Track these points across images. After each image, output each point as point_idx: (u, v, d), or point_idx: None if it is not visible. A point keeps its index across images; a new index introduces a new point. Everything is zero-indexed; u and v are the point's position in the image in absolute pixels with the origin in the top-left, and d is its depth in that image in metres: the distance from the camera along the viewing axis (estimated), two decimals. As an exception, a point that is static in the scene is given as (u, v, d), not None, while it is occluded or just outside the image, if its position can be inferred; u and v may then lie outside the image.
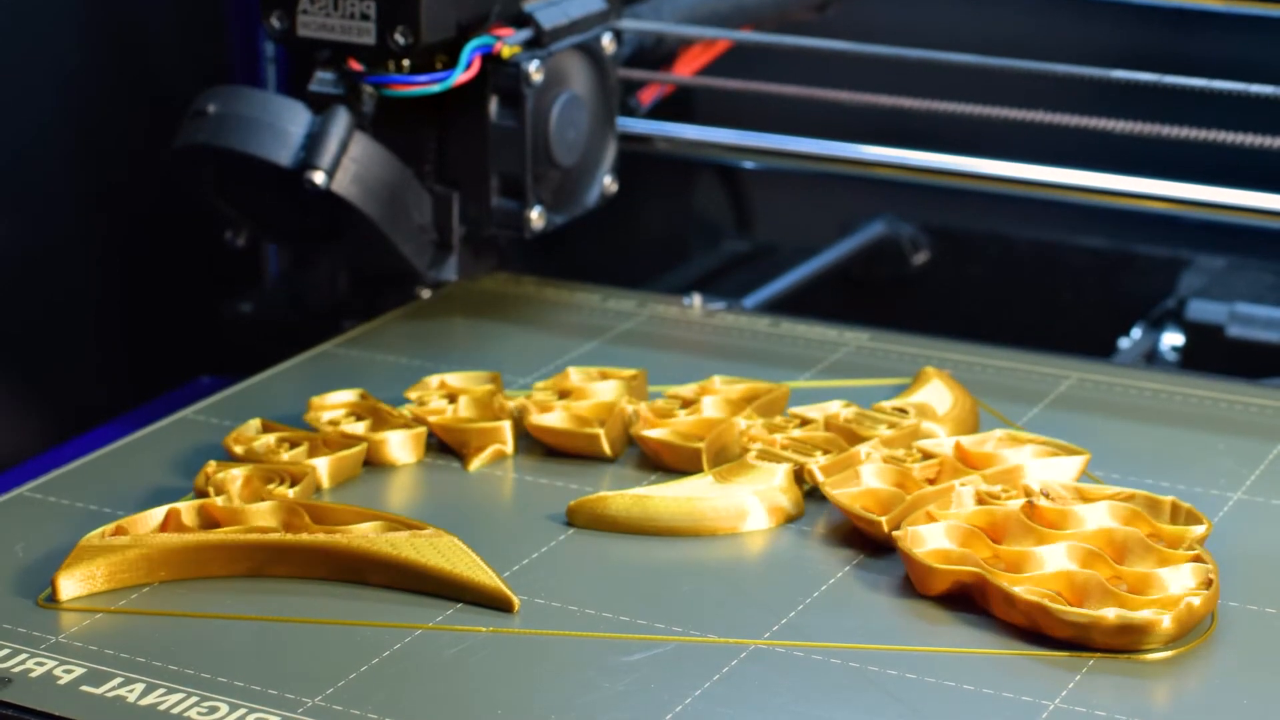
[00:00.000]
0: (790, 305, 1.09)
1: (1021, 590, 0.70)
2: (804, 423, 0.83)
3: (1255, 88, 0.93)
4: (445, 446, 0.85)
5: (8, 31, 0.99)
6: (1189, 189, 0.95)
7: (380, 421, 0.84)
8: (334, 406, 0.85)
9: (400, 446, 0.84)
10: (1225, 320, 1.05)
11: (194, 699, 0.68)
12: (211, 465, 0.79)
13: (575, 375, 0.87)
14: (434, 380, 0.87)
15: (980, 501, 0.76)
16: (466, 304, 1.00)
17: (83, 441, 0.97)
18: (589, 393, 0.85)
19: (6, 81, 1.00)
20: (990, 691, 0.68)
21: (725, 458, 0.82)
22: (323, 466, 0.81)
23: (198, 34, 1.08)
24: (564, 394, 0.86)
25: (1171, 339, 1.07)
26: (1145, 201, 0.97)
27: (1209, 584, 0.71)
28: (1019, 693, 0.68)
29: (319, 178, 0.89)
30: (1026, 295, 1.19)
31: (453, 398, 0.86)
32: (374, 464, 0.84)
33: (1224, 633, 0.71)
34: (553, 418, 0.84)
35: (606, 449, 0.83)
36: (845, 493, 0.77)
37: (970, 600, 0.72)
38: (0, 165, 1.01)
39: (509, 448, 0.85)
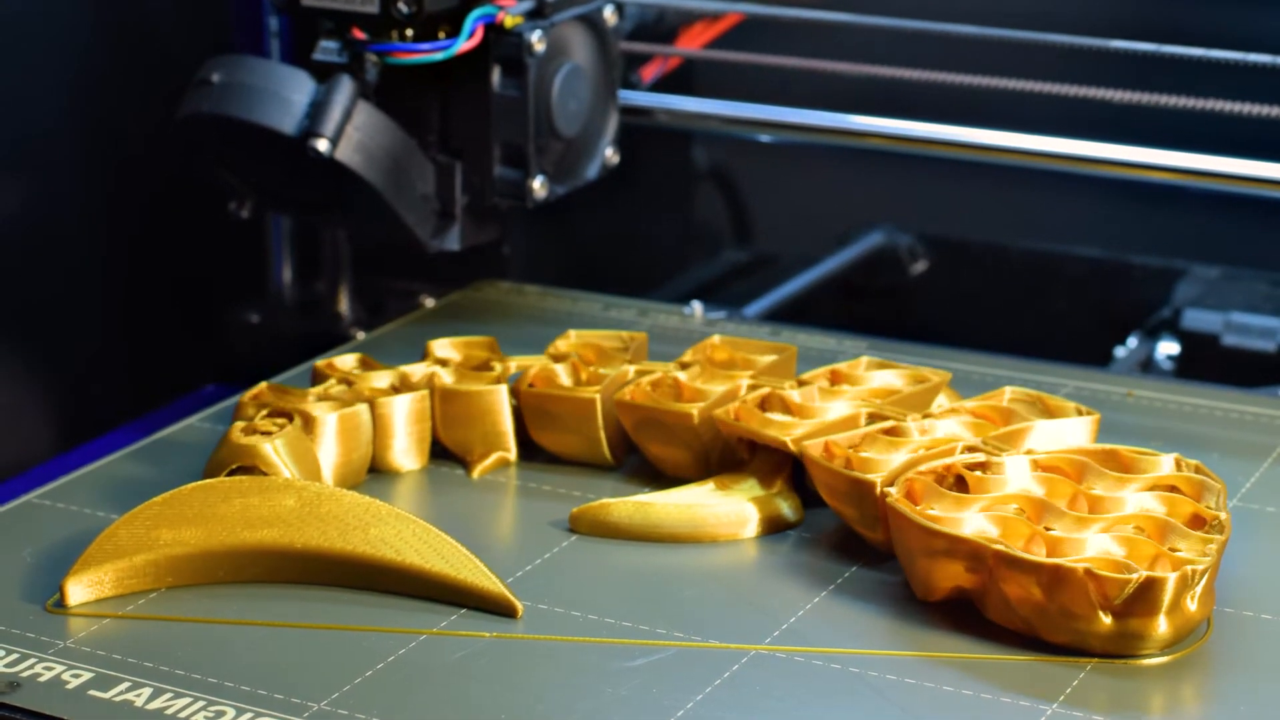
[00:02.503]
0: (790, 314, 1.09)
1: (1009, 549, 0.70)
2: (802, 384, 0.83)
3: (1253, 56, 0.93)
4: (449, 453, 0.86)
5: (10, 10, 0.99)
6: (1190, 158, 0.95)
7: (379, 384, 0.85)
8: (338, 370, 0.86)
9: (404, 453, 0.85)
10: (1220, 329, 1.05)
11: (201, 703, 0.68)
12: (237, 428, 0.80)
13: (574, 339, 0.87)
14: (432, 346, 0.88)
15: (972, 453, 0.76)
16: (469, 312, 1.01)
17: (90, 448, 0.98)
18: (587, 358, 0.86)
19: (9, 67, 1.00)
20: (988, 696, 0.68)
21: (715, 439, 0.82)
22: (328, 471, 0.82)
23: (201, 9, 1.08)
24: (560, 358, 0.87)
25: (1167, 348, 1.08)
26: (1145, 171, 0.96)
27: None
28: (1016, 697, 0.68)
29: (322, 145, 0.89)
30: (1023, 304, 1.19)
31: (445, 363, 0.86)
32: (379, 470, 0.84)
33: (1220, 639, 0.72)
34: (548, 382, 0.84)
35: (603, 443, 0.84)
36: (829, 453, 0.78)
37: (968, 606, 0.73)
38: (8, 163, 1.01)
39: (512, 455, 0.85)
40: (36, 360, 1.03)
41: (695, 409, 0.82)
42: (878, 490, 0.75)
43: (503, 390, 0.85)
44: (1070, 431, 0.79)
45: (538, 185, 0.95)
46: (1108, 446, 0.77)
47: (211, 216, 1.10)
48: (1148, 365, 1.07)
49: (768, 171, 1.26)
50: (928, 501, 0.74)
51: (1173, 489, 0.75)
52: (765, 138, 1.12)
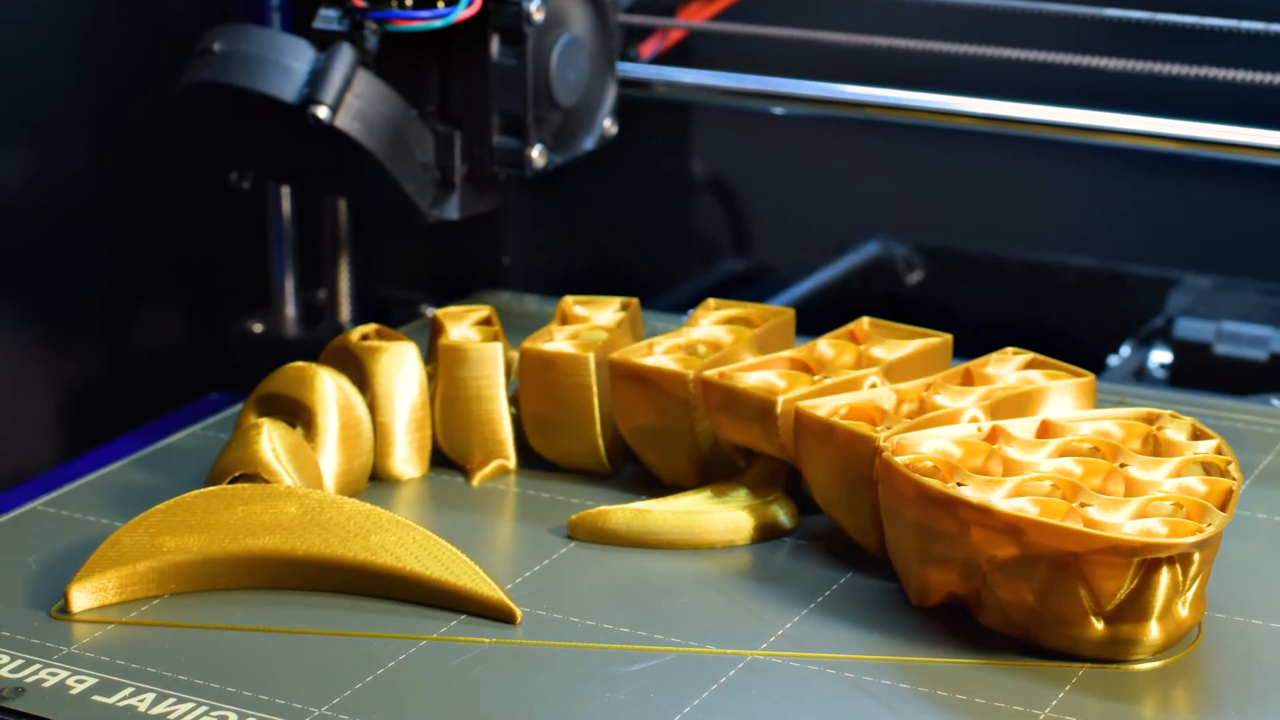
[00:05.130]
0: (786, 323, 1.10)
1: (1000, 503, 0.70)
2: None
3: (1247, 24, 0.94)
4: (449, 461, 0.86)
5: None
6: (1185, 126, 0.96)
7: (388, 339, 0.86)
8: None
9: (405, 461, 0.85)
10: (1212, 338, 1.06)
11: (203, 708, 0.69)
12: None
13: (571, 304, 0.88)
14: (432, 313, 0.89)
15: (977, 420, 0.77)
16: (469, 322, 1.01)
17: (94, 456, 0.98)
18: (585, 322, 0.87)
19: (14, 49, 1.00)
20: (982, 701, 0.69)
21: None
22: (329, 479, 0.82)
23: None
24: (563, 320, 0.87)
25: (1160, 356, 1.08)
26: (1139, 139, 0.97)
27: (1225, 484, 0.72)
28: (1010, 702, 0.69)
29: (323, 112, 0.89)
30: (1018, 313, 1.19)
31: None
32: (379, 478, 0.85)
33: (1211, 644, 0.72)
34: (549, 344, 0.85)
35: (601, 449, 0.85)
36: (836, 411, 0.77)
37: (962, 611, 0.74)
38: (12, 165, 1.01)
39: (511, 462, 0.86)
40: (41, 369, 1.04)
41: (690, 372, 0.82)
42: (880, 442, 0.74)
43: (497, 348, 0.85)
44: (1069, 395, 0.79)
45: (536, 154, 0.96)
46: (1140, 414, 0.77)
47: (214, 225, 1.11)
48: (1141, 374, 1.08)
49: (765, 181, 1.27)
50: (956, 481, 0.73)
51: (1207, 468, 0.74)
52: (779, 110, 1.12)
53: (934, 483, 0.72)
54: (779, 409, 0.79)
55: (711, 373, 0.81)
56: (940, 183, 1.23)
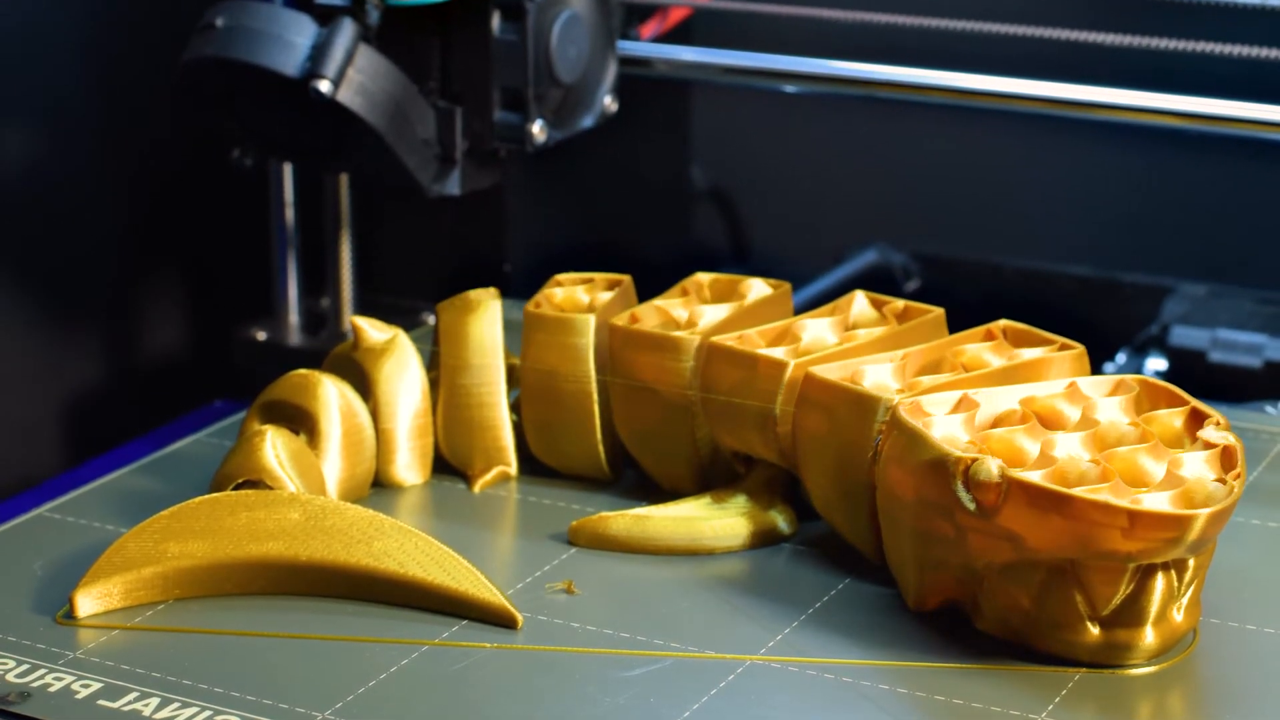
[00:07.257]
0: (785, 331, 1.10)
1: (1014, 471, 0.70)
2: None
3: (1243, 0, 0.94)
4: (451, 468, 0.87)
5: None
6: (1181, 100, 0.96)
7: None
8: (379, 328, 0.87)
9: (407, 468, 0.86)
10: (1207, 346, 1.06)
11: (207, 712, 0.69)
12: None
13: (566, 282, 0.88)
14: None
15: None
16: (469, 329, 1.02)
17: (99, 463, 0.99)
18: (582, 301, 0.87)
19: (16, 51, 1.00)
20: (979, 705, 0.69)
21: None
22: (332, 485, 0.83)
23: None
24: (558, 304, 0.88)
25: (1155, 364, 1.08)
26: (1147, 115, 0.97)
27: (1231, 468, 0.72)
28: (1007, 706, 0.69)
29: (324, 86, 0.89)
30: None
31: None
32: (382, 485, 0.86)
33: (1206, 649, 0.73)
34: (550, 308, 0.85)
35: (601, 455, 0.85)
36: (844, 378, 0.78)
37: (959, 616, 0.74)
38: (16, 178, 1.02)
39: (513, 469, 0.87)
40: (47, 376, 1.04)
41: (696, 335, 0.82)
42: (894, 402, 0.74)
43: (496, 307, 0.86)
44: (1065, 368, 0.79)
45: (537, 130, 0.96)
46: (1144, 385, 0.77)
47: (218, 233, 1.11)
48: (1137, 381, 1.08)
49: (764, 190, 1.27)
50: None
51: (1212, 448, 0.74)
52: (790, 88, 1.11)
53: (945, 448, 0.72)
54: (789, 373, 0.78)
55: (720, 339, 0.81)
56: (938, 190, 1.23)
